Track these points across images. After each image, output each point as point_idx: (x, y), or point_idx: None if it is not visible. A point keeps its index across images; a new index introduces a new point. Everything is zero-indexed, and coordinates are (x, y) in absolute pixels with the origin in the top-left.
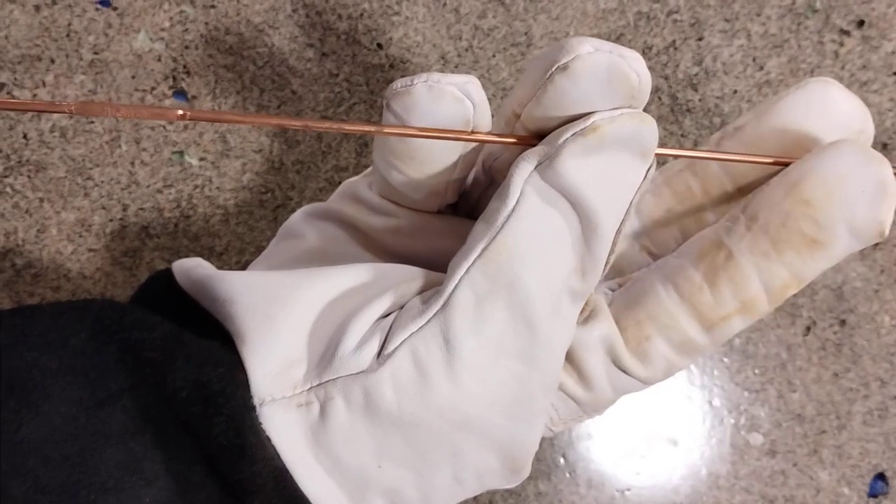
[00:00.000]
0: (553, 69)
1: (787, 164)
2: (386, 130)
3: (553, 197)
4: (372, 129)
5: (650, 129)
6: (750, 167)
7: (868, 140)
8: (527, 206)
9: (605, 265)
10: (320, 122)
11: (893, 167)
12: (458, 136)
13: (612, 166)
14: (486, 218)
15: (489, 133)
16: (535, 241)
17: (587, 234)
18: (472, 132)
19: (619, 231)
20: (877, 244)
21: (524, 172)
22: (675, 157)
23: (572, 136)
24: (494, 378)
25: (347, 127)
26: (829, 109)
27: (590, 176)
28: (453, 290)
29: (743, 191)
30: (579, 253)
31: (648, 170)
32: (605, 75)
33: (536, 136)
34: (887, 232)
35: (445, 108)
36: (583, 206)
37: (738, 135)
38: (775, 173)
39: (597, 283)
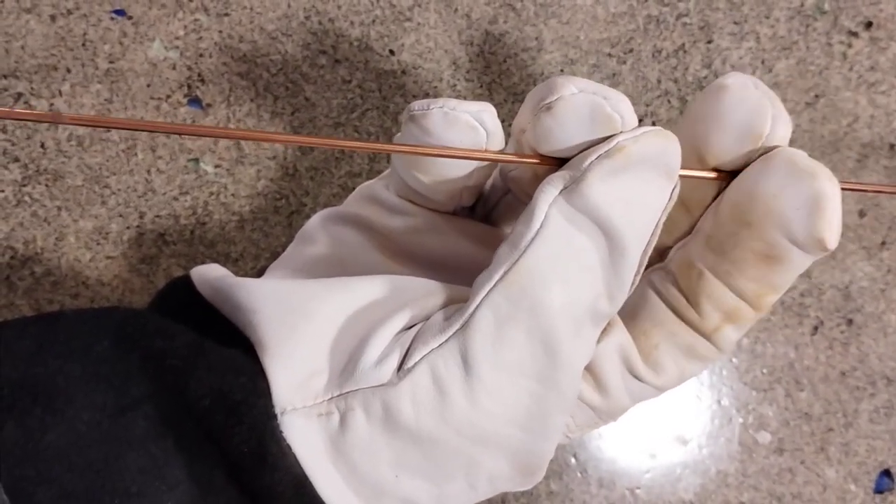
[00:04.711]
0: (539, 107)
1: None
2: (404, 149)
3: (579, 220)
4: (384, 147)
5: (674, 146)
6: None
7: (779, 139)
8: (551, 229)
9: (631, 286)
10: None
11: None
12: (475, 154)
13: (639, 187)
14: (510, 241)
15: (499, 152)
16: (559, 266)
17: (614, 257)
18: (484, 150)
19: (645, 252)
20: (882, 244)
21: (549, 196)
22: (700, 178)
23: (597, 158)
24: (512, 397)
25: (377, 146)
26: (723, 123)
27: (617, 198)
28: (474, 311)
29: (686, 203)
30: (606, 276)
31: (673, 190)
32: (587, 116)
33: (541, 157)
34: (831, 244)
35: (459, 135)
36: (610, 229)
37: None
38: (712, 187)
39: (621, 305)
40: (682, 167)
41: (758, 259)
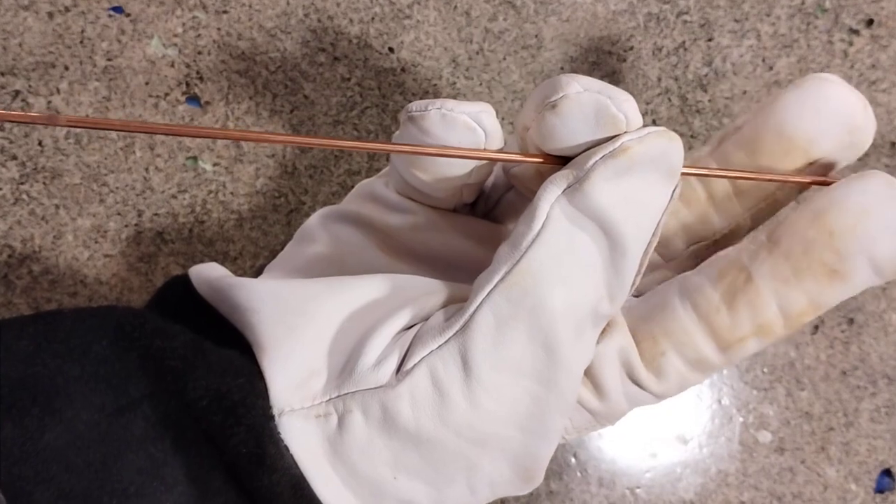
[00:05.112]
0: (544, 105)
1: (813, 184)
2: (405, 149)
3: (581, 221)
4: (385, 147)
5: (677, 147)
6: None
7: (869, 136)
8: (553, 230)
9: (631, 287)
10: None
11: None
12: (476, 154)
13: (642, 187)
14: (511, 241)
15: (499, 151)
16: (560, 267)
17: (616, 258)
18: (485, 150)
19: (646, 253)
20: None
21: (551, 196)
22: (703, 176)
23: (602, 158)
24: (512, 398)
25: (369, 145)
26: (824, 107)
27: (620, 199)
28: (474, 312)
29: (744, 195)
30: (607, 277)
31: (674, 190)
32: (592, 115)
33: (543, 156)
34: None
35: (457, 136)
36: (612, 230)
37: (738, 135)
38: (783, 182)
39: (621, 305)
40: (762, 154)
41: (822, 271)
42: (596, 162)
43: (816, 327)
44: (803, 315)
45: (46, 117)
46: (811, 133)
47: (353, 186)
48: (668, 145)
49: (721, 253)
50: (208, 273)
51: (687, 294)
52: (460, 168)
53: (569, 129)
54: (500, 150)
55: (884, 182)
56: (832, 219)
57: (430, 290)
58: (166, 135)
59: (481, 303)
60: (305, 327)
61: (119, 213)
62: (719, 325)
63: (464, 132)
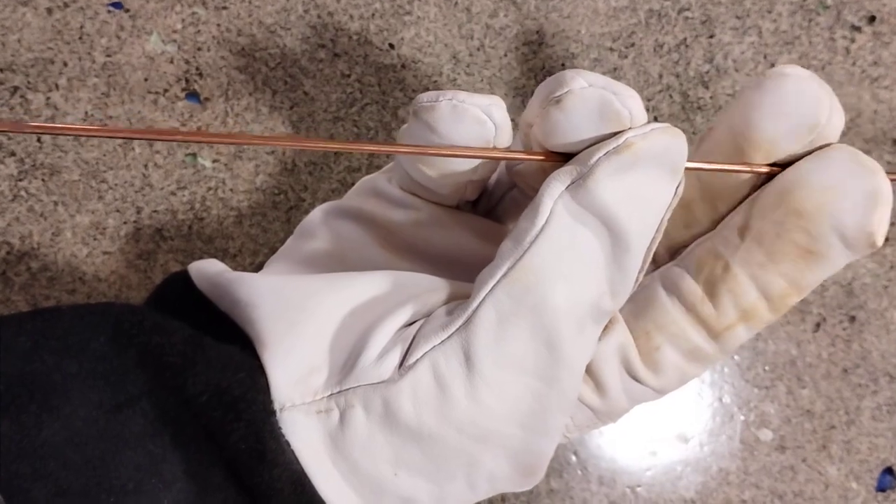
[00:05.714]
0: (548, 101)
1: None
2: (411, 150)
3: (584, 217)
4: (389, 149)
5: (681, 143)
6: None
7: (834, 130)
8: (556, 226)
9: (634, 284)
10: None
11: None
12: (478, 152)
13: (645, 184)
14: (514, 237)
15: (507, 150)
16: (563, 263)
17: (619, 254)
18: (492, 149)
19: (649, 249)
20: (886, 240)
21: (554, 192)
22: (702, 171)
23: (605, 154)
24: (514, 394)
25: (368, 147)
26: (782, 108)
27: (623, 195)
28: (477, 308)
29: (720, 198)
30: (610, 274)
31: (678, 186)
32: (596, 111)
33: (546, 154)
34: (880, 242)
35: (467, 129)
36: (615, 226)
37: (710, 136)
38: (748, 181)
39: (624, 302)
40: (732, 156)
41: (798, 253)
42: (599, 158)
43: (818, 325)
44: (786, 297)
45: (10, 124)
46: (770, 135)
47: (352, 183)
48: (671, 141)
49: (698, 242)
50: (208, 269)
51: (671, 287)
52: (466, 163)
53: (572, 125)
54: (506, 149)
55: (847, 156)
56: (799, 198)
57: (432, 287)
58: (146, 139)
59: (484, 299)
60: (307, 323)
61: (118, 210)
62: (706, 316)
63: (473, 125)
